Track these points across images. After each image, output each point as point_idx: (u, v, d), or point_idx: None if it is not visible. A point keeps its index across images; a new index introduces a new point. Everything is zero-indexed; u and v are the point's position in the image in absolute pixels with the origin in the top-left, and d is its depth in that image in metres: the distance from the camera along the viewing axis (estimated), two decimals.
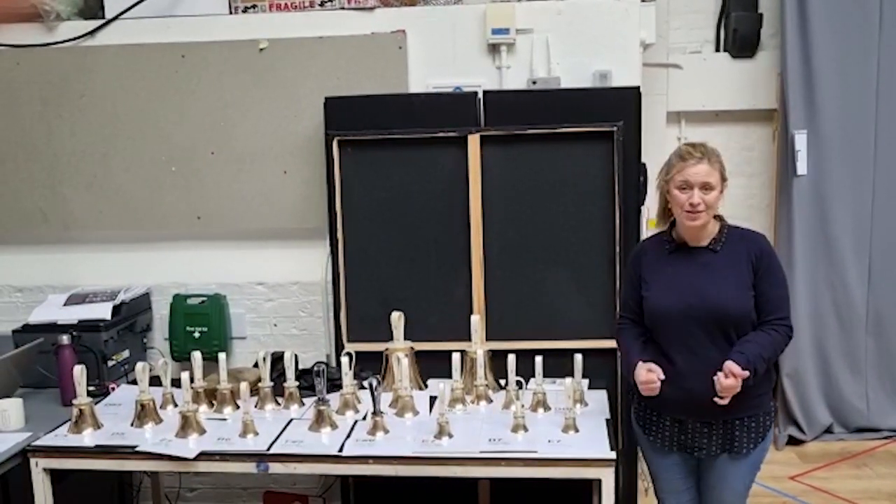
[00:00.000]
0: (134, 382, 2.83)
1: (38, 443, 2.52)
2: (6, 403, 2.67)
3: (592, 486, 2.53)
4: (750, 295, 2.29)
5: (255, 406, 2.72)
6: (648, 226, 3.07)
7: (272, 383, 2.78)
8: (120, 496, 3.37)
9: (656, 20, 3.50)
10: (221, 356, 2.74)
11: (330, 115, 3.14)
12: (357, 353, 2.84)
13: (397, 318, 2.88)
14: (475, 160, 3.07)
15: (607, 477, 2.33)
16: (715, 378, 2.22)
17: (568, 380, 2.52)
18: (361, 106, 3.12)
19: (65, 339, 2.89)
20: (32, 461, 2.49)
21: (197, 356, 2.75)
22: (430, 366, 2.93)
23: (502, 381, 2.79)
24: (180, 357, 3.35)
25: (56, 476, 2.53)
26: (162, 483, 3.44)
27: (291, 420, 2.66)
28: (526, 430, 2.49)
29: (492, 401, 2.78)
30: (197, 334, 3.34)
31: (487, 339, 3.04)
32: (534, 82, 3.23)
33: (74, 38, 3.33)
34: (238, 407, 2.70)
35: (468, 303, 3.12)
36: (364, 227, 3.18)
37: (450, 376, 2.67)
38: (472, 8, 3.24)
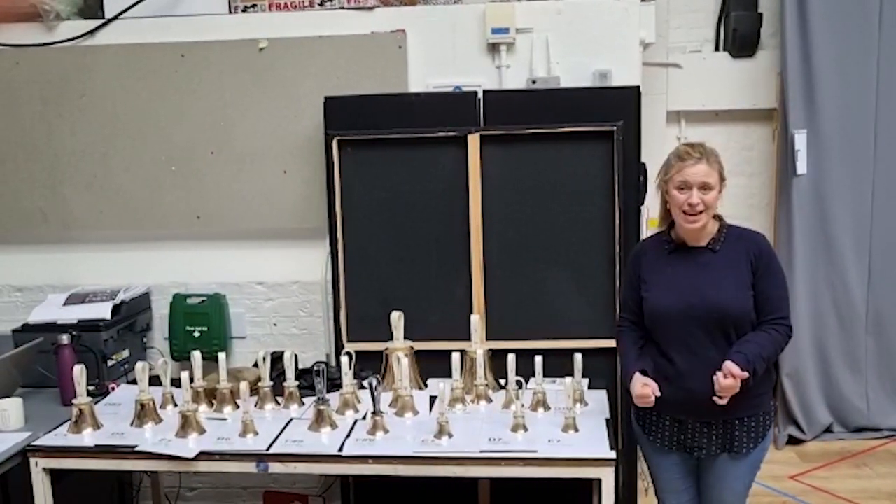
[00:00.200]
0: (134, 382, 2.82)
1: (37, 443, 2.52)
2: (6, 403, 2.67)
3: (592, 485, 2.53)
4: (749, 295, 2.29)
5: (255, 406, 2.72)
6: (648, 226, 3.07)
7: (272, 383, 2.78)
8: (120, 496, 3.38)
9: (656, 20, 3.50)
10: (221, 356, 2.74)
11: (330, 114, 3.14)
12: (357, 352, 2.84)
13: (397, 318, 2.88)
14: (475, 160, 3.07)
15: (607, 477, 2.33)
16: (714, 378, 2.22)
17: (568, 379, 2.52)
18: (361, 106, 3.12)
19: (65, 338, 2.88)
20: (32, 461, 2.49)
21: (197, 356, 2.76)
22: (430, 365, 2.93)
23: (502, 381, 2.79)
24: (180, 357, 3.35)
25: (56, 476, 2.53)
26: (162, 483, 3.44)
27: (291, 420, 2.66)
28: (526, 429, 2.49)
29: (492, 400, 2.78)
30: (197, 334, 3.34)
31: (487, 339, 3.04)
32: (533, 82, 3.22)
33: (74, 38, 3.32)
34: (238, 407, 2.70)
35: (468, 302, 3.12)
36: (364, 227, 3.17)
37: (450, 376, 2.67)
38: (471, 7, 3.24)
